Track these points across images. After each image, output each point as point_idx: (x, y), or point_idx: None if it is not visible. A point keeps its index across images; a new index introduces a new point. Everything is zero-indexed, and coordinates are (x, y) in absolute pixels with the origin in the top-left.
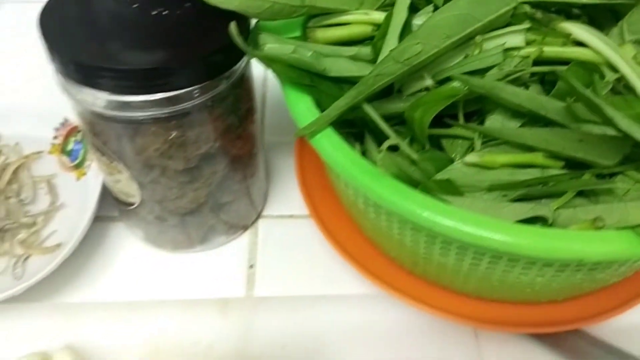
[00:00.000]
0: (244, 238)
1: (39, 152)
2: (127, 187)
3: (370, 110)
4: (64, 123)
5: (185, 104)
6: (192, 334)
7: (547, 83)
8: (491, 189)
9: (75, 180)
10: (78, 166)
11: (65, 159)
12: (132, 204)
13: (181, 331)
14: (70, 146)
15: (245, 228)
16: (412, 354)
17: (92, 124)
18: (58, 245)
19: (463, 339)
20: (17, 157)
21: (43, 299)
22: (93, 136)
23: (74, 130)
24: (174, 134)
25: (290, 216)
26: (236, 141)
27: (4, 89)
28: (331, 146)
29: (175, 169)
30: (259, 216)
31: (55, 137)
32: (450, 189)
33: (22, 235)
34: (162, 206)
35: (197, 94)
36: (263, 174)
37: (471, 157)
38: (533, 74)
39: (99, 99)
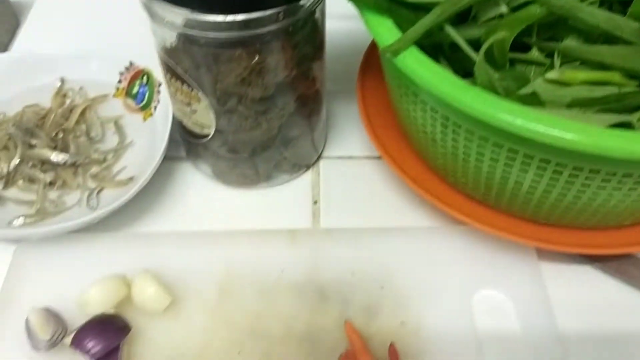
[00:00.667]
0: (307, 177)
1: (104, 95)
2: (204, 117)
3: (451, 31)
4: (129, 67)
5: (268, 27)
6: (263, 261)
7: (615, 9)
8: (571, 104)
9: (142, 121)
10: (144, 108)
11: (130, 101)
12: (206, 136)
13: (252, 259)
14: (136, 89)
15: (307, 167)
16: (477, 279)
17: (175, 50)
18: (131, 179)
19: (526, 265)
20: (83, 100)
21: (120, 228)
22: (175, 64)
23: (139, 74)
24: (256, 58)
25: (350, 157)
26: (308, 72)
27: (69, 34)
28: (417, 62)
29: (253, 97)
30: (319, 157)
31: (119, 81)
32: (534, 102)
33: (94, 169)
34: (236, 137)
35: (279, 17)
36: (324, 115)
37: (552, 74)
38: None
39: (184, 18)
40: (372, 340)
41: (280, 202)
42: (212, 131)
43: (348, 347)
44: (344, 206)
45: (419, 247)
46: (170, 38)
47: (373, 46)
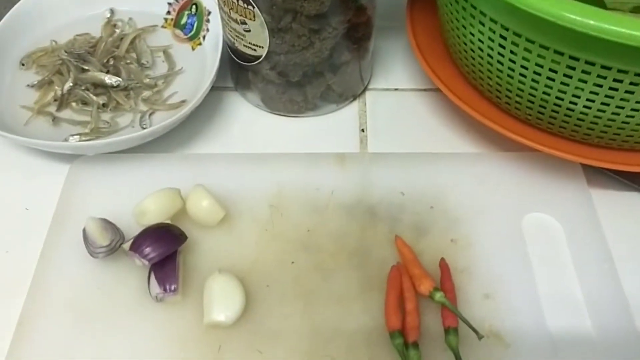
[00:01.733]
0: (353, 107)
1: (153, 26)
2: (257, 36)
3: None
4: None
5: None
6: (313, 182)
7: None
8: (634, 10)
9: (191, 50)
10: (192, 38)
11: (179, 32)
12: (257, 58)
13: (302, 180)
14: (184, 20)
15: (353, 97)
16: (527, 202)
17: None
18: (182, 102)
19: (576, 191)
20: (133, 30)
21: (172, 150)
22: None
23: (187, 4)
24: None
25: (396, 89)
26: None
27: None
28: None
29: (308, 13)
30: (365, 88)
31: (168, 12)
32: (599, 4)
33: (146, 94)
34: (287, 59)
35: None
36: (372, 46)
37: None
38: None
39: None
40: (421, 255)
41: (327, 129)
42: (264, 52)
43: (399, 261)
44: (391, 134)
45: (468, 171)
46: None
47: None
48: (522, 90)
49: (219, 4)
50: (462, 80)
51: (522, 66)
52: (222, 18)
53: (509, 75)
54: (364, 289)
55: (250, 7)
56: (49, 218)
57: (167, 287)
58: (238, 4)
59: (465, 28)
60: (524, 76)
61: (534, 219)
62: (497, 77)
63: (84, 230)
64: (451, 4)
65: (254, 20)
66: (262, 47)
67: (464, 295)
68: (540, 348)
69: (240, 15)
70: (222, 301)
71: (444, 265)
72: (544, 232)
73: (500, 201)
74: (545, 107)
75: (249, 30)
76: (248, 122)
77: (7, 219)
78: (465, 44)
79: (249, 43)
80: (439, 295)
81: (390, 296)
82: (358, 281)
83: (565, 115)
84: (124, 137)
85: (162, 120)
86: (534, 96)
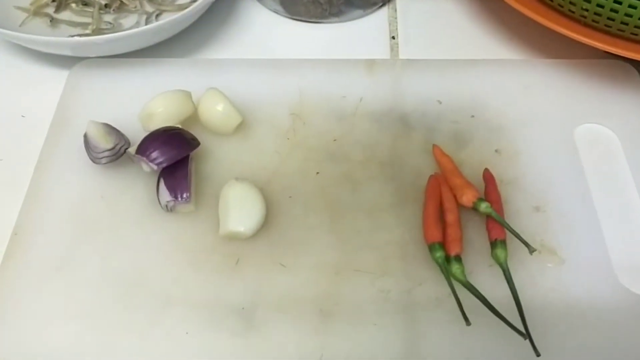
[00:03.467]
0: (382, 13)
1: None
2: None
3: None
4: None
5: None
6: (338, 89)
7: None
8: None
9: None
10: None
11: None
12: None
13: (327, 87)
14: None
15: (382, 3)
16: (579, 112)
17: None
18: (193, 1)
19: (633, 100)
20: None
21: (184, 55)
22: None
23: None
24: None
25: None
26: None
27: None
28: None
29: None
30: None
31: None
32: None
33: None
34: None
35: None
36: None
37: None
38: None
39: None
40: (462, 166)
41: (353, 36)
42: None
43: (437, 171)
44: (424, 41)
45: (512, 78)
46: None
47: None
48: None
49: None
50: None
51: None
52: None
53: None
54: (397, 200)
55: None
56: (47, 126)
57: (179, 194)
58: None
59: None
60: None
61: (588, 129)
62: None
63: (85, 135)
64: None
65: None
66: None
67: (511, 208)
68: (599, 265)
69: None
70: (240, 210)
71: (488, 175)
72: (599, 143)
73: (548, 111)
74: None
75: None
76: (265, 28)
77: (2, 126)
78: None
79: None
80: (484, 206)
81: (429, 207)
82: (391, 192)
83: (630, 6)
84: (128, 33)
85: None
86: None
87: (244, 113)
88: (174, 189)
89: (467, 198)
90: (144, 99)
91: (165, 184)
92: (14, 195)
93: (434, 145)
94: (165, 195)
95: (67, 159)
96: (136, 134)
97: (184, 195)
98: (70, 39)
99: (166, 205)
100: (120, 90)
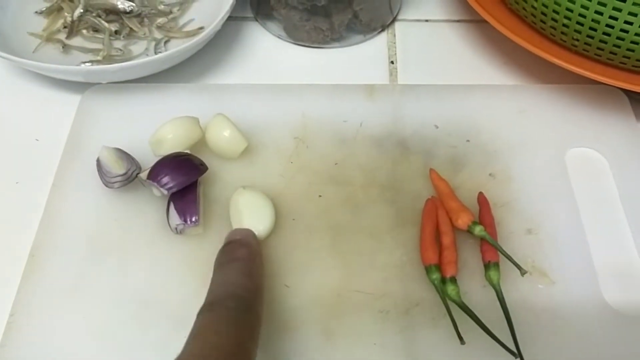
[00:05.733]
0: (381, 38)
1: None
2: None
3: None
4: None
5: None
6: (340, 114)
7: None
8: None
9: None
10: None
11: None
12: None
13: (329, 111)
14: None
15: (382, 28)
16: (570, 136)
17: None
18: (200, 29)
19: (624, 125)
20: None
21: (190, 80)
22: None
23: None
24: None
25: (427, 21)
26: None
27: None
28: None
29: None
30: (394, 19)
31: None
32: None
33: (160, 20)
34: None
35: None
36: None
37: None
38: None
39: None
40: (458, 190)
41: (354, 61)
42: None
43: (433, 194)
44: (422, 66)
45: (506, 103)
46: None
47: None
48: (572, 11)
49: None
50: (502, 8)
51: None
52: None
53: None
54: (396, 223)
55: None
56: (60, 149)
57: (188, 218)
58: None
59: None
60: None
61: (579, 153)
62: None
63: (98, 160)
64: None
65: None
66: None
67: (504, 231)
68: (587, 285)
69: None
70: (250, 216)
71: (482, 199)
72: (589, 167)
73: (541, 135)
74: (595, 30)
75: None
76: (269, 53)
77: (17, 149)
78: None
79: None
80: (478, 229)
81: (425, 230)
82: (390, 215)
83: (618, 38)
84: (139, 62)
85: (176, 47)
86: (584, 17)
87: (249, 136)
88: (184, 212)
89: (462, 221)
90: (154, 123)
91: (175, 207)
92: (30, 217)
93: (431, 170)
94: (175, 218)
95: (80, 182)
96: (146, 158)
97: (193, 219)
98: (83, 67)
99: (176, 228)
100: (131, 114)
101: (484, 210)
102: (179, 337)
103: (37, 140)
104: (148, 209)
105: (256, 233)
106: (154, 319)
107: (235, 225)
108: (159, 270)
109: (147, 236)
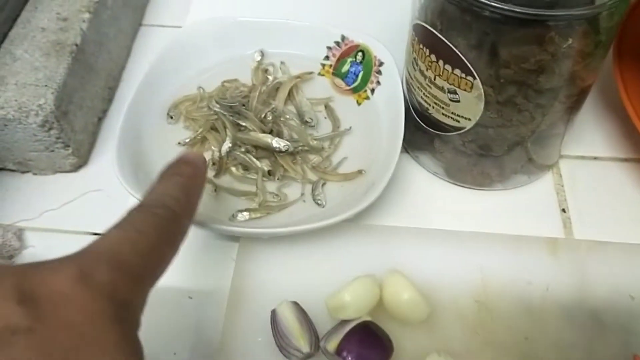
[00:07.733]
0: (546, 179)
1: (309, 73)
2: (467, 108)
3: None
4: (340, 42)
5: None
6: (522, 273)
7: None
8: None
9: (356, 105)
10: (356, 90)
11: (339, 81)
12: (458, 129)
13: (510, 269)
14: (346, 68)
15: (548, 168)
16: None
17: (451, 26)
18: (360, 172)
19: None
20: (287, 77)
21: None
22: (449, 41)
23: (352, 50)
24: (569, 42)
25: (594, 158)
26: (596, 63)
27: (271, 2)
28: None
29: (540, 88)
30: (559, 156)
31: (326, 57)
32: None
33: (315, 160)
34: (497, 133)
35: None
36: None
37: None
38: None
39: None
40: None
41: (520, 206)
42: (470, 125)
43: None
44: (598, 215)
45: None
46: (447, 8)
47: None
48: None
49: (411, 62)
50: None
51: None
52: (410, 77)
53: None
54: None
55: (469, 77)
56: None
57: None
58: (452, 73)
59: None
60: None
61: None
62: None
63: (273, 315)
64: None
65: (470, 92)
66: (470, 120)
67: None
68: None
69: (451, 84)
70: None
71: None
72: None
73: None
74: None
75: (458, 101)
76: (425, 191)
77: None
78: None
79: (453, 113)
80: None
81: None
82: None
83: None
84: (311, 226)
85: (332, 190)
86: None
87: (426, 293)
88: None
89: None
90: (324, 272)
91: None
92: None
93: (635, 356)
94: None
95: (249, 340)
96: (322, 319)
97: None
98: (242, 229)
99: None
100: (296, 261)
101: None
102: None
103: (190, 298)
104: None
105: None
106: None
107: None
108: None
109: None
